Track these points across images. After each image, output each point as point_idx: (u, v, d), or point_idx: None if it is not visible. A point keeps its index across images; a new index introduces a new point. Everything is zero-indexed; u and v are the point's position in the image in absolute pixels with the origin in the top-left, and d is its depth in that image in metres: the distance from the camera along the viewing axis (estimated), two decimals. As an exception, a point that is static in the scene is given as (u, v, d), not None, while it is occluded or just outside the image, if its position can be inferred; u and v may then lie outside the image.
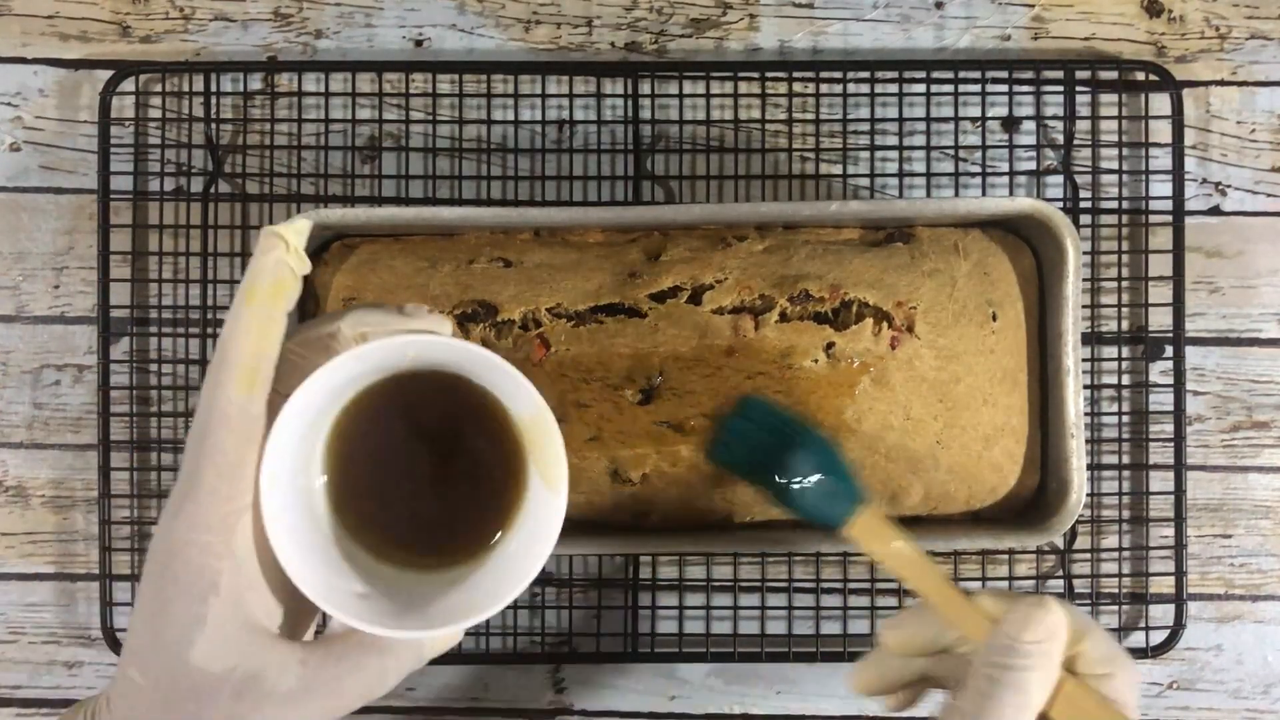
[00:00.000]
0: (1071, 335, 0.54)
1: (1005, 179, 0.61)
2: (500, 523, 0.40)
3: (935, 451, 0.55)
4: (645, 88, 0.61)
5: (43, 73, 0.61)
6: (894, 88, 0.60)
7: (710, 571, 0.60)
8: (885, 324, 0.53)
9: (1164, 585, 0.60)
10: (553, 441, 0.38)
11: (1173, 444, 0.59)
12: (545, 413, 0.37)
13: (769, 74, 0.61)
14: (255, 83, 0.61)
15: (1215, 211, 0.61)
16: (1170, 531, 0.59)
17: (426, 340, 0.37)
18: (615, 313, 0.54)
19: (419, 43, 0.62)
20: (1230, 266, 0.61)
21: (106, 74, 0.59)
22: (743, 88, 0.61)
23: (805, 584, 0.60)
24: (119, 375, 0.60)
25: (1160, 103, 0.60)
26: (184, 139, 0.60)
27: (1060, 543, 0.60)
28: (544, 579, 0.60)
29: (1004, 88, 0.60)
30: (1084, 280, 0.56)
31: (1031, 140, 0.61)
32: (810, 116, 0.61)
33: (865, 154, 0.61)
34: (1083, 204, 0.60)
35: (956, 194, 0.61)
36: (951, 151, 0.61)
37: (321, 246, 0.57)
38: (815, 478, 0.47)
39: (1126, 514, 0.60)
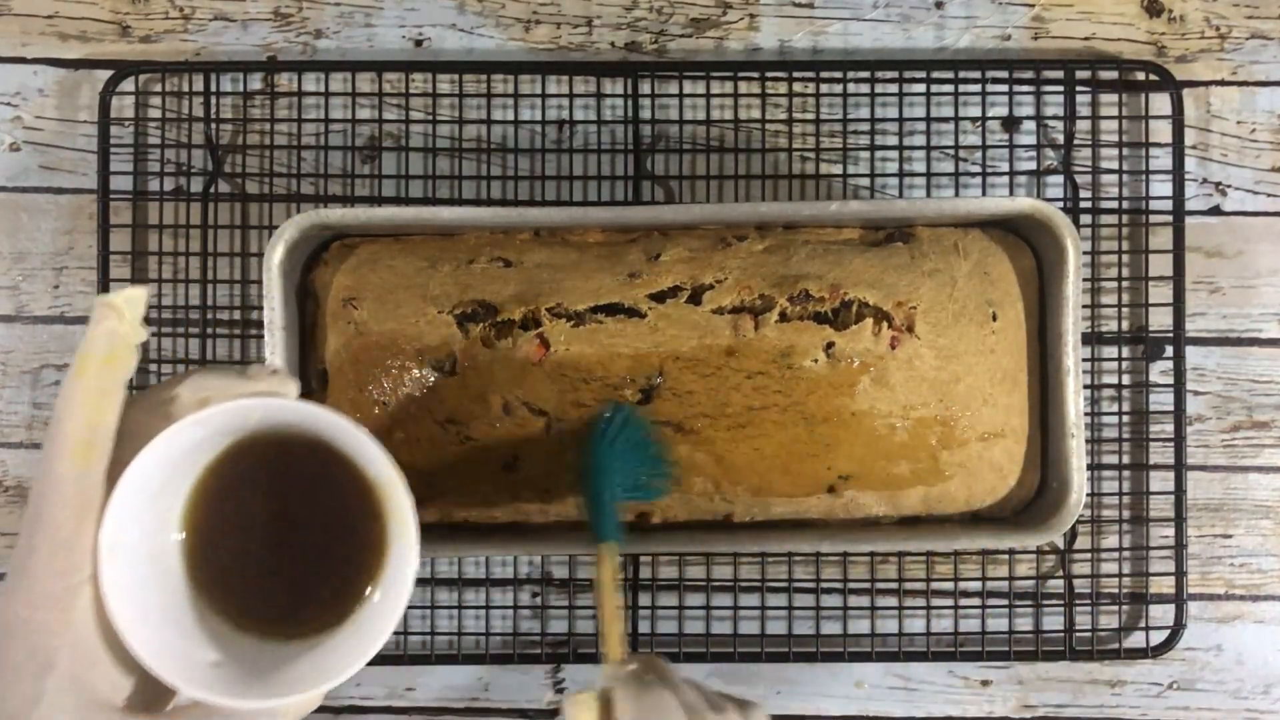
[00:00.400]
0: (1071, 335, 0.54)
1: (1005, 179, 0.61)
2: (364, 582, 0.39)
3: (935, 451, 0.55)
4: (645, 88, 0.60)
5: (42, 73, 0.61)
6: (894, 88, 0.60)
7: (710, 571, 0.60)
8: (885, 324, 0.53)
9: (1164, 585, 0.60)
10: (401, 503, 0.37)
11: (1173, 444, 0.59)
12: (391, 472, 0.37)
13: (769, 74, 0.60)
14: (255, 83, 0.61)
15: (1215, 211, 0.61)
16: (1170, 531, 0.59)
17: (270, 403, 0.36)
18: (615, 313, 0.54)
19: (419, 43, 0.61)
20: (1230, 266, 0.61)
21: (106, 74, 0.59)
22: (743, 88, 0.61)
23: (805, 584, 0.60)
24: (119, 375, 0.59)
25: (1160, 103, 0.60)
26: (184, 139, 0.60)
27: (1060, 543, 0.60)
28: (544, 580, 0.60)
29: (1004, 88, 0.60)
30: (1084, 280, 0.56)
31: (1031, 140, 0.61)
32: (810, 116, 0.61)
33: (865, 154, 0.60)
34: (1083, 204, 0.60)
35: (956, 194, 0.61)
36: (951, 151, 0.61)
37: (321, 246, 0.57)
38: (620, 498, 0.50)
39: (1127, 514, 0.60)
